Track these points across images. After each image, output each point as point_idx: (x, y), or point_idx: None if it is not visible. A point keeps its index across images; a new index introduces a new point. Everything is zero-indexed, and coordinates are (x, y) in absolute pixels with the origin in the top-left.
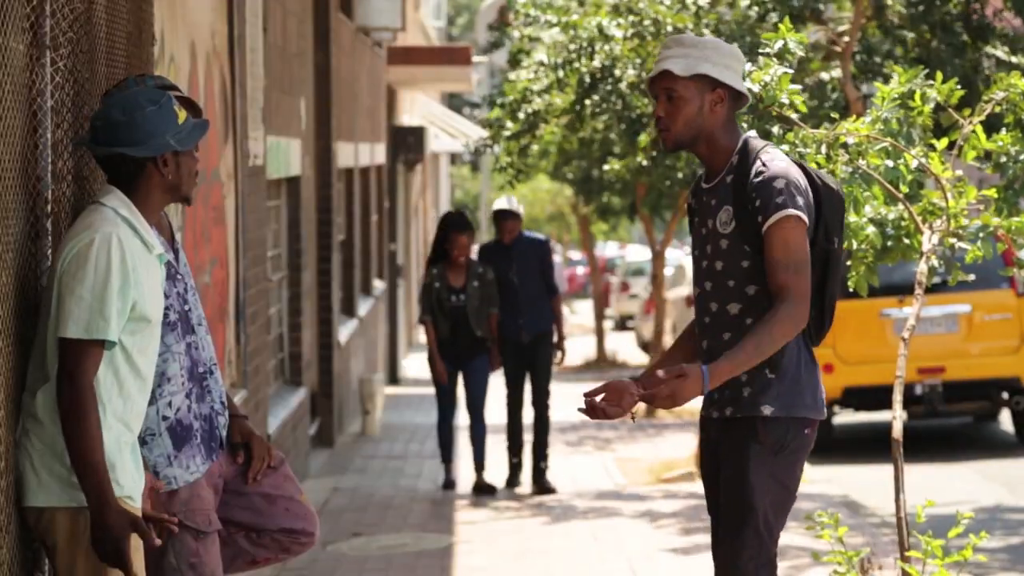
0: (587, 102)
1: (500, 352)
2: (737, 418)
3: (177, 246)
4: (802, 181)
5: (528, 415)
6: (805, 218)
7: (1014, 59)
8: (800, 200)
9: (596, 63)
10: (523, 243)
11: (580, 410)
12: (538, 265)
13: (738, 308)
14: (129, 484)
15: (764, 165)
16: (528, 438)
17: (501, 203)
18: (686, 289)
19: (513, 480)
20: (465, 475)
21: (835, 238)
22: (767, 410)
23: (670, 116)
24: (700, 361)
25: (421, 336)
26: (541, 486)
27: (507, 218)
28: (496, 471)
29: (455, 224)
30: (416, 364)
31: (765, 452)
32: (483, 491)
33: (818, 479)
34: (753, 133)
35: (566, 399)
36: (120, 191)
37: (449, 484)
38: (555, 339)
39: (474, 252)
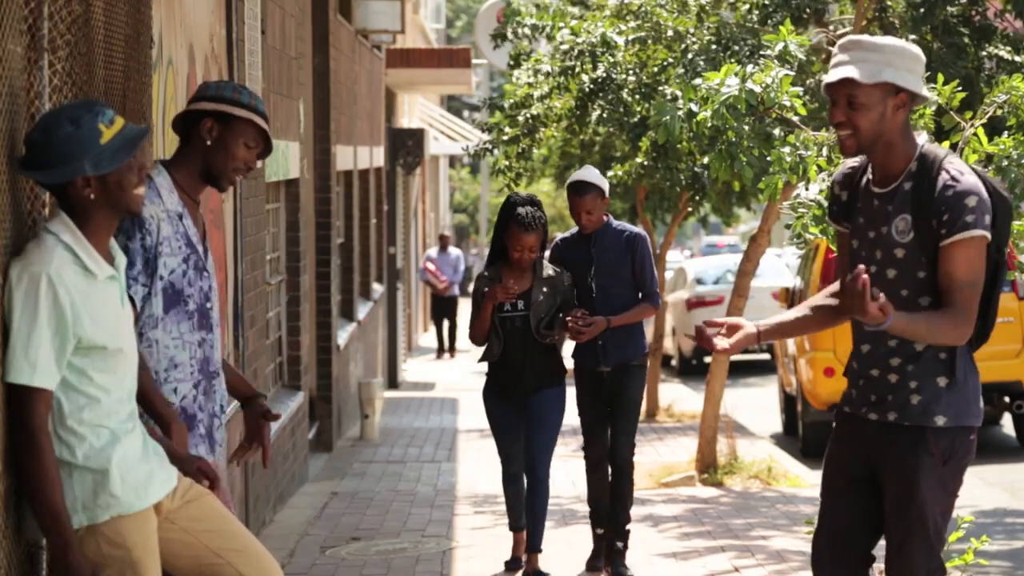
0: (590, 108)
1: (577, 383)
2: (904, 426)
3: (207, 244)
4: (988, 197)
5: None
6: (989, 238)
7: (1018, 58)
8: (987, 219)
9: (600, 71)
10: (608, 236)
11: (688, 335)
12: (628, 267)
13: None
14: (127, 497)
15: (954, 179)
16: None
17: (579, 174)
18: (686, 292)
19: (599, 561)
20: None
21: (1003, 248)
22: (940, 420)
23: (852, 122)
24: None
25: (420, 340)
26: (616, 570)
27: (583, 192)
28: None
29: (519, 219)
30: (415, 368)
31: (935, 463)
32: None
33: (819, 483)
34: (926, 137)
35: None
36: (66, 214)
37: (515, 563)
38: (643, 359)
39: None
